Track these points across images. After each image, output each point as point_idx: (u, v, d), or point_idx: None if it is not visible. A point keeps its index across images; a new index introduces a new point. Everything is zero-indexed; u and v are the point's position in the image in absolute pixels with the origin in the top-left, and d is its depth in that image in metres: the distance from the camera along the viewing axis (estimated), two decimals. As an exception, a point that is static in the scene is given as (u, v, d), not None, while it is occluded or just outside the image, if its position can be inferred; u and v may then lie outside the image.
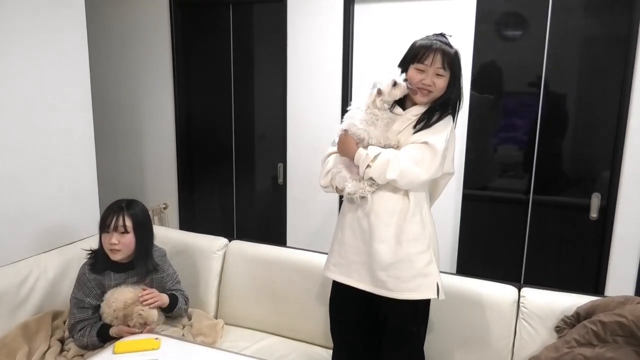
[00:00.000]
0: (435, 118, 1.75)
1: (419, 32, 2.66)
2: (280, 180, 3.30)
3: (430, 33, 1.80)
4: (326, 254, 2.35)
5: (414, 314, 1.83)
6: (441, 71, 1.72)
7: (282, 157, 3.25)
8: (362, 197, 1.77)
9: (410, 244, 1.75)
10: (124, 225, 2.09)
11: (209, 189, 3.68)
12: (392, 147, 1.77)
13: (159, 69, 3.53)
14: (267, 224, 3.54)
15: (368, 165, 1.71)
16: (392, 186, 1.74)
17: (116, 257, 2.11)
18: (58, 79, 2.48)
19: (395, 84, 1.73)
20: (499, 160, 2.81)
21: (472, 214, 2.85)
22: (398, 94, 1.74)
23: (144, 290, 2.11)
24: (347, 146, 1.78)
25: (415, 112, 1.79)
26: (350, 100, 2.99)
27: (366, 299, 1.85)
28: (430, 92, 1.75)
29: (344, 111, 2.97)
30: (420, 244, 1.76)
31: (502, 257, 2.85)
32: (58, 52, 2.47)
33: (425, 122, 1.75)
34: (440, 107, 1.77)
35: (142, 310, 2.04)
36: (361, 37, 2.93)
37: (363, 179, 1.75)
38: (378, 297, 1.80)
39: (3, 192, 2.26)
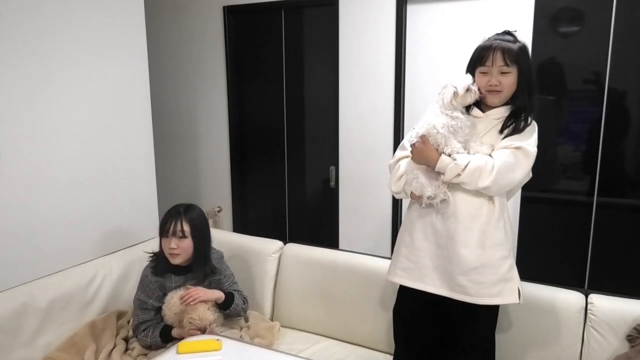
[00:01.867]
0: (523, 123, 1.72)
1: (475, 32, 2.62)
2: (332, 184, 3.30)
3: (492, 33, 1.78)
4: (382, 257, 2.36)
5: (490, 319, 1.82)
6: (505, 68, 1.69)
7: (334, 160, 3.25)
8: (443, 200, 1.75)
9: (494, 249, 1.72)
10: (182, 230, 2.14)
11: (261, 192, 3.73)
12: (477, 152, 1.75)
13: (213, 75, 3.60)
14: (319, 227, 3.55)
15: (458, 174, 1.68)
16: (474, 191, 1.71)
17: (176, 261, 2.17)
18: (120, 87, 2.58)
19: (468, 89, 1.71)
20: (560, 162, 2.71)
21: (532, 217, 2.76)
22: (469, 99, 1.73)
23: (188, 289, 2.14)
24: (426, 153, 1.74)
25: (496, 115, 1.76)
26: (403, 103, 2.96)
27: (435, 304, 1.83)
28: (499, 91, 1.72)
29: (396, 114, 2.96)
30: (504, 249, 1.74)
31: (565, 262, 2.75)
32: (119, 61, 2.56)
33: (514, 126, 1.72)
34: (525, 110, 1.73)
35: (192, 317, 2.07)
36: (414, 38, 2.89)
37: (443, 183, 1.73)
38: (451, 302, 1.78)
39: (69, 196, 2.36)
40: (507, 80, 1.71)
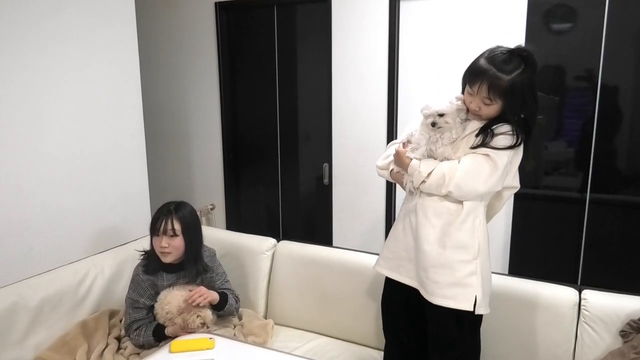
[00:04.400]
0: (500, 130, 1.65)
1: (468, 28, 2.60)
2: (326, 181, 3.30)
3: (498, 44, 1.67)
4: (375, 254, 2.35)
5: (456, 321, 1.76)
6: (487, 101, 1.63)
7: (328, 157, 3.24)
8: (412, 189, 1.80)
9: (454, 250, 1.70)
10: (173, 229, 2.12)
11: (254, 190, 3.72)
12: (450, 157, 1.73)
13: (205, 72, 3.58)
14: (313, 224, 3.54)
15: (423, 181, 1.70)
16: None
17: (167, 259, 2.15)
18: (110, 84, 2.55)
19: (433, 122, 1.70)
20: (553, 158, 2.72)
21: (525, 214, 2.76)
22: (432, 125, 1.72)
23: (191, 291, 2.12)
24: (401, 158, 1.80)
25: (477, 123, 1.71)
26: (396, 100, 2.95)
27: (417, 296, 1.82)
28: (479, 115, 1.69)
29: (390, 110, 2.96)
30: (466, 253, 1.70)
31: (557, 258, 2.75)
32: (110, 57, 2.54)
33: (489, 133, 1.66)
34: (504, 120, 1.67)
35: (199, 313, 2.07)
36: (407, 34, 2.88)
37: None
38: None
39: (60, 194, 2.34)
40: (488, 110, 1.65)
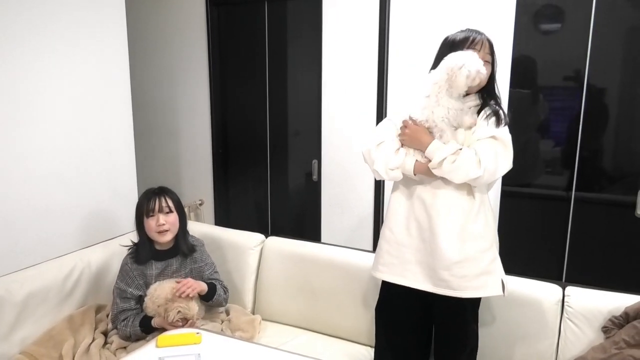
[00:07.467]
0: (492, 111, 1.73)
1: (457, 26, 2.61)
2: (315, 177, 3.30)
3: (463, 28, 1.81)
4: (363, 250, 2.37)
5: (473, 312, 1.82)
6: (488, 57, 1.72)
7: (317, 154, 3.24)
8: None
9: (474, 242, 1.72)
10: (168, 206, 2.18)
11: (244, 186, 3.71)
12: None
13: (195, 67, 3.57)
14: (302, 220, 3.54)
15: (444, 159, 1.65)
16: (456, 184, 1.70)
17: (165, 238, 2.18)
18: (99, 78, 2.53)
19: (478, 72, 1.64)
20: (540, 157, 2.75)
21: (511, 211, 2.79)
22: (473, 82, 1.66)
23: (178, 282, 2.13)
24: (419, 135, 1.71)
25: (471, 102, 1.76)
26: (386, 97, 2.97)
27: (419, 299, 1.82)
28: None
29: (379, 107, 2.97)
30: (484, 242, 1.74)
31: (542, 256, 2.78)
32: (99, 51, 2.52)
33: (494, 116, 1.72)
34: (497, 99, 1.78)
35: (181, 307, 2.06)
36: (397, 31, 2.89)
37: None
38: (435, 297, 1.77)
39: (47, 188, 2.32)
40: (488, 70, 1.72)
